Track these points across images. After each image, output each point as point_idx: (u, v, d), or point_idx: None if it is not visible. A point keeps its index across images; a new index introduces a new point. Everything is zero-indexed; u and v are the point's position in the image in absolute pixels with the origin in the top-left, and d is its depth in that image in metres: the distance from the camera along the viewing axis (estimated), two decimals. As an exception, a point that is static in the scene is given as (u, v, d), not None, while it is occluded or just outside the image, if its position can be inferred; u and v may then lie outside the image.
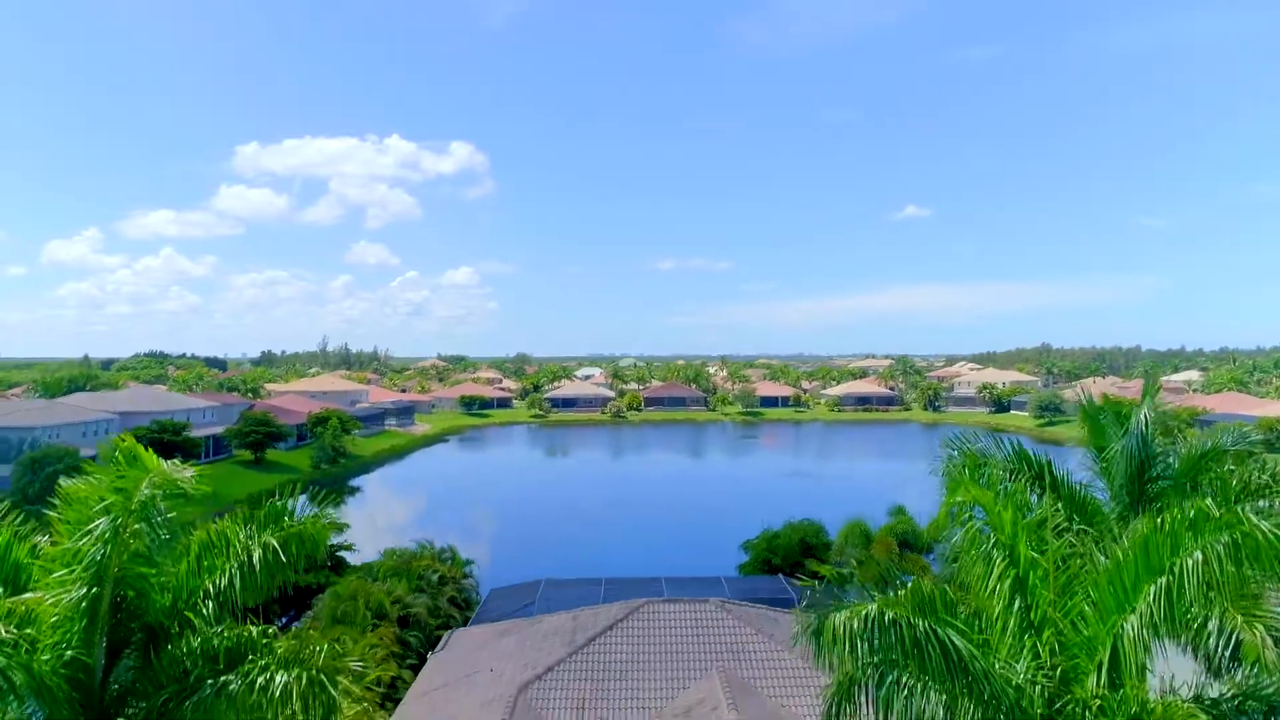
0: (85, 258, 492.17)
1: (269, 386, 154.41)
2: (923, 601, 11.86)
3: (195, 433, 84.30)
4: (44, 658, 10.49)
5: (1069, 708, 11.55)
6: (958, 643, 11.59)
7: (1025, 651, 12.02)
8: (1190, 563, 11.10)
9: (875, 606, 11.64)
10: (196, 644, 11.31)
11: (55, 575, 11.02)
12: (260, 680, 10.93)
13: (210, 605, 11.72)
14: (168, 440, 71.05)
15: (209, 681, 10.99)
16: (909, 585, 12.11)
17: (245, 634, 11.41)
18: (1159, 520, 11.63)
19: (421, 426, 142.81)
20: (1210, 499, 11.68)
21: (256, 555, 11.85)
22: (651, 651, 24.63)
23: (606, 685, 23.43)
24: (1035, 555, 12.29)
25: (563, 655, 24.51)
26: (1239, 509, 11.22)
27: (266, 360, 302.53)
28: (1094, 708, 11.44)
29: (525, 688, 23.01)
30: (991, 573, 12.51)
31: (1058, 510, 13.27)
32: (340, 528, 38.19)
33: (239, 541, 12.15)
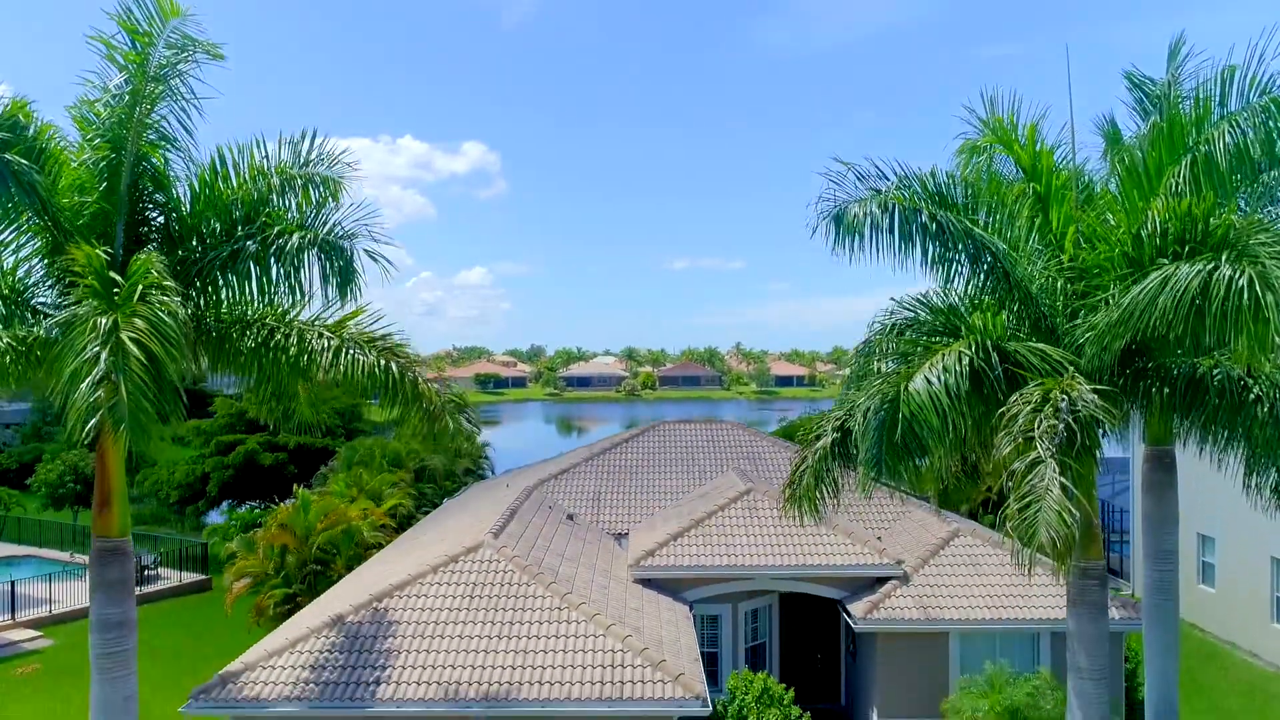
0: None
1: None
2: (942, 195, 11.69)
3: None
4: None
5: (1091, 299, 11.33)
6: (978, 233, 11.44)
7: (1048, 258, 11.80)
8: (1217, 134, 10.87)
9: (893, 191, 11.44)
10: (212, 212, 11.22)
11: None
12: (277, 243, 10.90)
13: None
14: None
15: (225, 245, 10.96)
16: (924, 175, 11.77)
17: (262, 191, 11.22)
18: (1182, 108, 11.42)
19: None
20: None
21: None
22: (667, 458, 24.51)
23: (622, 483, 23.32)
24: (1055, 166, 12.03)
25: (578, 461, 24.44)
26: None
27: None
28: (1115, 298, 11.24)
29: (540, 484, 22.93)
30: (1012, 200, 12.21)
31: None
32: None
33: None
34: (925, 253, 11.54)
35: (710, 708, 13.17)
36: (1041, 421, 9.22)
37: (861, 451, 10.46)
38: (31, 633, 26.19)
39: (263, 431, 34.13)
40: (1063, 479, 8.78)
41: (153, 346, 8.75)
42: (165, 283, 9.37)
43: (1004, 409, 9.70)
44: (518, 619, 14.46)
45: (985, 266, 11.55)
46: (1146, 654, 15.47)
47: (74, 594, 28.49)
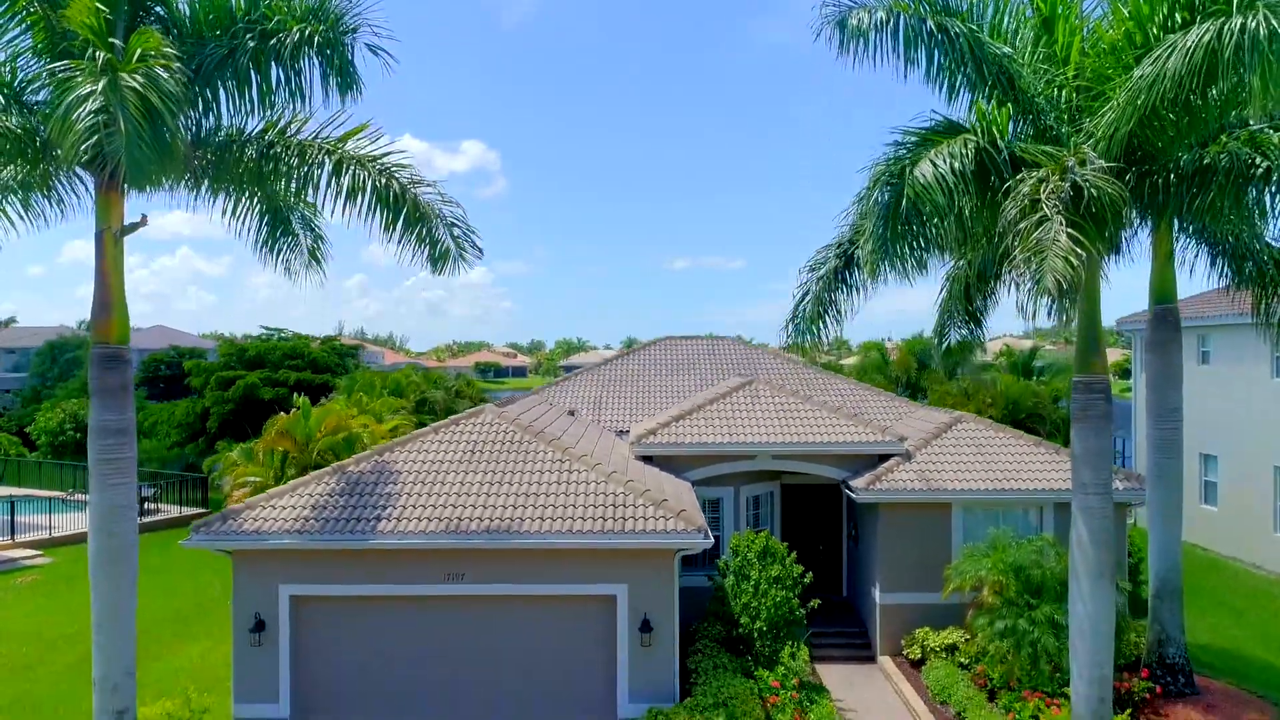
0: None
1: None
2: (947, 4, 11.60)
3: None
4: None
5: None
6: (983, 38, 11.37)
7: (1053, 73, 11.70)
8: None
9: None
10: None
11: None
12: (276, 38, 10.80)
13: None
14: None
15: (224, 42, 10.85)
16: None
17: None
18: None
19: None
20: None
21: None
22: (669, 369, 24.44)
23: (624, 390, 23.25)
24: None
25: (580, 373, 24.36)
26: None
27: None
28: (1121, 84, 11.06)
29: (539, 391, 22.84)
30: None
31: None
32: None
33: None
34: (929, 61, 11.49)
35: (712, 541, 13.11)
36: (1048, 186, 9.16)
37: (866, 234, 10.36)
38: (31, 551, 26.15)
39: (262, 369, 34.04)
40: (1070, 230, 8.71)
41: (151, 98, 8.68)
42: (165, 49, 9.29)
43: (1010, 184, 9.65)
44: (519, 469, 14.40)
45: (989, 78, 11.48)
46: (1150, 515, 15.45)
47: (73, 523, 28.46)
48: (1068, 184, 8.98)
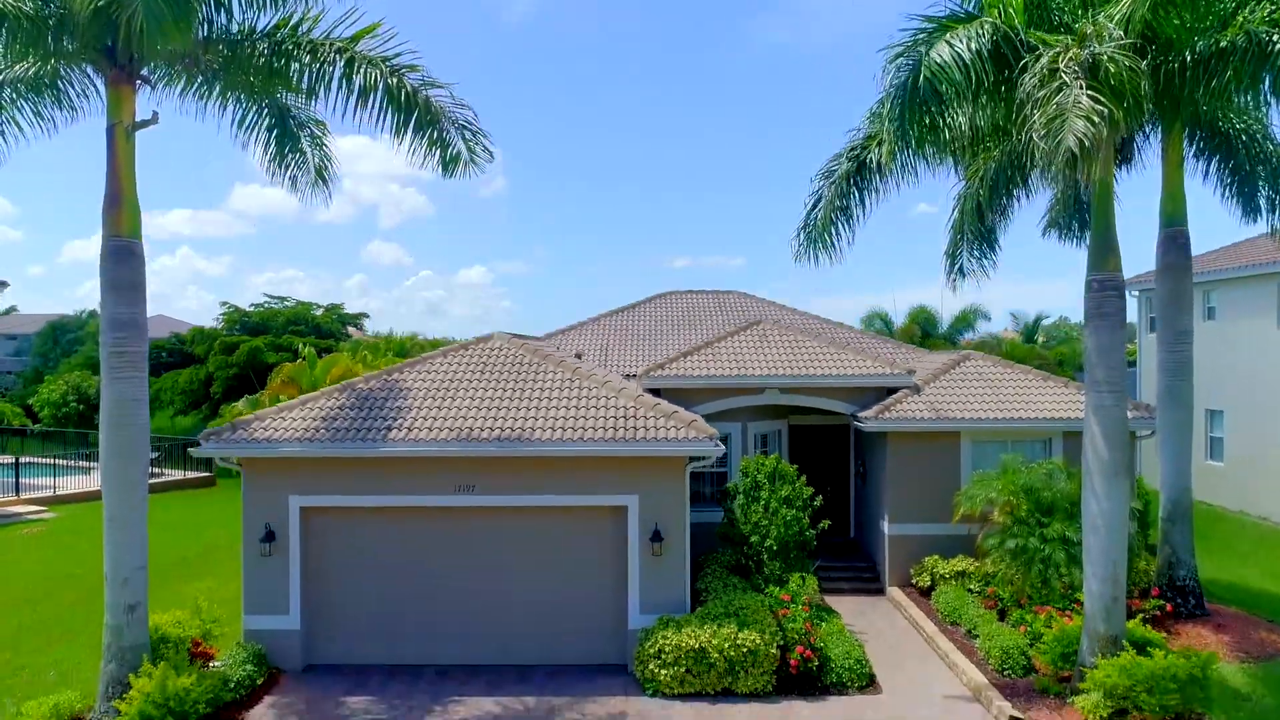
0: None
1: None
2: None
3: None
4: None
5: None
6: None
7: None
8: None
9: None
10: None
11: None
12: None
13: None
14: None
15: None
16: None
17: None
18: None
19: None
20: None
21: None
22: (675, 320, 24.42)
23: (629, 339, 23.23)
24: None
25: (585, 322, 24.34)
26: None
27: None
28: None
29: (547, 337, 22.82)
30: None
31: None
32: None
33: None
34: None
35: (723, 449, 13.09)
36: (1066, 55, 9.12)
37: (884, 116, 10.30)
38: (36, 507, 26.13)
39: (266, 335, 33.99)
40: (1090, 94, 8.68)
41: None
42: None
43: (1026, 61, 9.62)
44: (530, 386, 14.37)
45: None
46: (1160, 437, 15.43)
47: (76, 484, 28.47)
48: (1086, 52, 8.96)
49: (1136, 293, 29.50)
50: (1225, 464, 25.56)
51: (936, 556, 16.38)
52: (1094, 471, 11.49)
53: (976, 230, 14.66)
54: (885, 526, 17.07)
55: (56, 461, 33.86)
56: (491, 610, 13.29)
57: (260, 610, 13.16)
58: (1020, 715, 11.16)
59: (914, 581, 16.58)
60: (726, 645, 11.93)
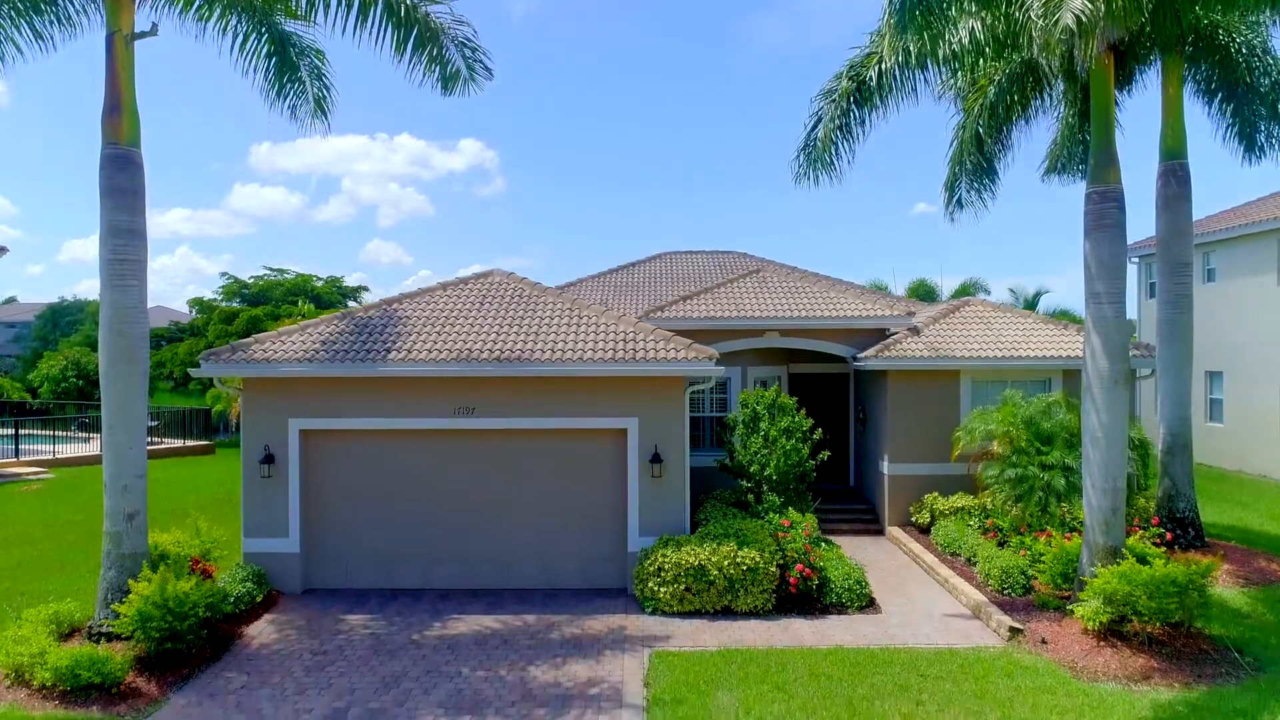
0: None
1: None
2: None
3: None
4: None
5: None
6: None
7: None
8: None
9: None
10: None
11: None
12: None
13: None
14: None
15: None
16: None
17: None
18: None
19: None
20: None
21: None
22: (674, 279, 24.41)
23: (629, 294, 23.22)
24: None
25: (585, 278, 24.33)
26: None
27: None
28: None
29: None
30: None
31: None
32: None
33: None
34: None
35: (723, 370, 13.09)
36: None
37: (886, 9, 10.26)
38: (36, 468, 26.10)
39: (266, 305, 33.95)
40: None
41: None
42: None
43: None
44: (530, 314, 14.37)
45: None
46: (1160, 370, 15.43)
47: (76, 449, 28.50)
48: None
49: (1136, 260, 29.51)
50: (1225, 424, 25.56)
51: (935, 494, 16.38)
52: (1094, 385, 11.49)
53: (975, 162, 14.64)
54: (885, 466, 17.06)
55: (55, 433, 34.08)
56: (491, 535, 13.29)
57: (259, 533, 13.16)
58: (1020, 626, 11.17)
59: (913, 520, 16.59)
60: (726, 563, 11.93)
